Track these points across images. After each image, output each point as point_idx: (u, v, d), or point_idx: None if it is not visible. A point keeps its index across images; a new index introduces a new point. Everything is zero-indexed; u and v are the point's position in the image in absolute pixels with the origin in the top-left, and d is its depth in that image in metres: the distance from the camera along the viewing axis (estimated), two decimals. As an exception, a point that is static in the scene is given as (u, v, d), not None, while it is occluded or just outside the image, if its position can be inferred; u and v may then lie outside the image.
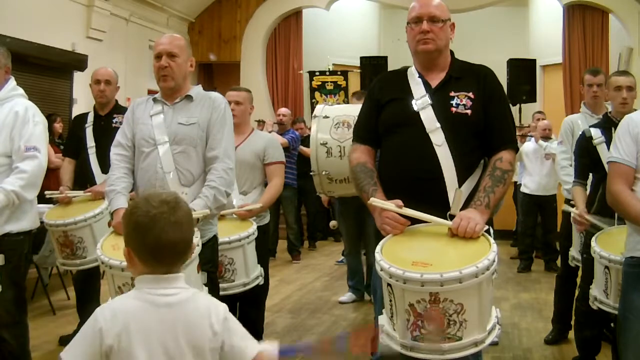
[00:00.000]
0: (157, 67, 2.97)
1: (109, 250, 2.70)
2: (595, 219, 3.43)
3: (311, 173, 4.07)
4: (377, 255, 2.18)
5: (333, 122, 4.02)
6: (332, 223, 5.88)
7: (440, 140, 2.40)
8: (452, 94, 2.47)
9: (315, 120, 4.15)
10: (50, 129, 6.44)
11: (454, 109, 2.44)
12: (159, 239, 1.59)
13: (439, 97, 2.47)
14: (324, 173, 3.97)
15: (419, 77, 2.54)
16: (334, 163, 3.94)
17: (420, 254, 2.13)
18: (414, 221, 2.31)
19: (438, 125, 2.42)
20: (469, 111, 2.44)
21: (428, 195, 2.36)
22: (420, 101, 2.47)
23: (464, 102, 2.45)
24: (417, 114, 2.45)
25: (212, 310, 1.62)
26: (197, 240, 2.67)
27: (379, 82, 2.69)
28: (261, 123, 8.62)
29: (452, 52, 2.60)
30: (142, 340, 1.55)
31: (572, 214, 3.73)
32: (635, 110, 3.17)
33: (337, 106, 4.38)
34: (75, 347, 1.56)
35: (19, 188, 2.95)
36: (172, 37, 3.06)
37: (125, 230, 1.65)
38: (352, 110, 4.14)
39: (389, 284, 2.11)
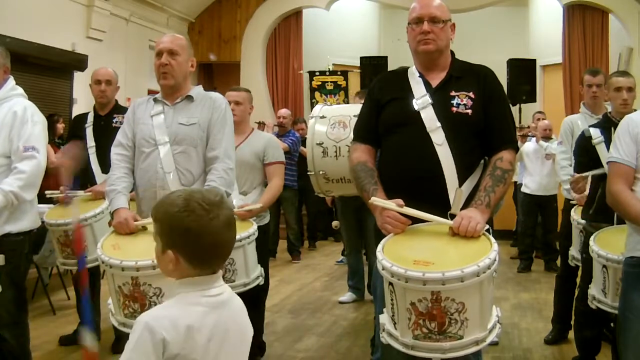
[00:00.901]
0: (157, 65, 2.98)
1: (109, 249, 2.70)
2: (590, 172, 3.46)
3: (308, 173, 4.07)
4: (379, 255, 2.19)
5: (330, 122, 4.02)
6: (335, 223, 5.89)
7: (440, 139, 2.41)
8: (453, 93, 2.47)
9: (312, 120, 4.15)
10: (53, 129, 6.45)
11: (454, 109, 2.45)
12: (216, 241, 1.57)
13: (440, 97, 2.48)
14: (320, 173, 3.98)
15: (419, 76, 2.55)
16: (330, 163, 3.94)
17: (421, 253, 2.14)
18: (415, 220, 2.32)
19: (438, 124, 2.42)
20: (469, 111, 2.45)
21: (428, 194, 2.36)
22: (421, 100, 2.48)
23: (464, 101, 2.45)
24: (417, 113, 2.46)
25: (242, 305, 1.70)
26: None
27: (379, 81, 2.70)
28: (261, 125, 8.62)
29: (452, 53, 2.61)
30: (213, 344, 1.55)
31: (572, 212, 3.73)
32: (635, 110, 3.18)
33: (334, 106, 4.38)
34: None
35: (18, 188, 2.95)
36: (173, 37, 3.07)
37: (170, 233, 1.57)
38: (349, 110, 4.14)
39: (390, 283, 2.11)
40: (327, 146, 3.96)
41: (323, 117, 4.08)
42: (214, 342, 1.55)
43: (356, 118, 3.85)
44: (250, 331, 1.68)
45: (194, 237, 1.55)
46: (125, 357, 1.50)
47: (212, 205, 1.57)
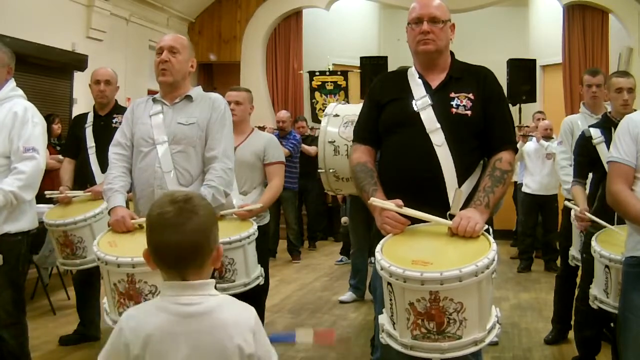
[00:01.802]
0: (157, 62, 2.97)
1: (106, 246, 2.69)
2: (596, 219, 3.44)
3: (319, 170, 4.08)
4: (377, 255, 2.19)
5: (342, 121, 4.02)
6: (344, 219, 5.89)
7: (440, 140, 2.41)
8: (453, 94, 2.48)
9: (325, 118, 4.15)
10: (49, 129, 6.43)
11: (454, 110, 2.45)
12: (159, 240, 1.53)
13: (439, 98, 2.48)
14: (331, 171, 4.00)
15: (419, 77, 2.55)
16: (341, 161, 3.95)
17: (420, 253, 2.13)
18: (414, 221, 2.32)
19: (438, 125, 2.42)
20: (469, 112, 2.45)
21: (428, 195, 2.37)
22: (421, 101, 2.48)
23: (464, 102, 2.46)
24: (417, 114, 2.46)
25: (242, 320, 1.54)
26: None
27: (379, 82, 2.70)
28: (261, 129, 8.63)
29: (452, 53, 2.61)
30: (164, 353, 1.49)
31: (572, 212, 3.73)
32: (636, 110, 3.18)
33: (348, 105, 4.38)
34: (107, 356, 1.55)
35: (17, 189, 2.95)
36: (175, 36, 3.09)
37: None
38: None
39: (389, 283, 2.11)
40: (339, 145, 3.97)
41: (336, 115, 4.09)
42: (174, 353, 1.49)
43: None
44: (234, 352, 1.51)
45: (147, 234, 1.56)
46: (105, 348, 1.55)
47: (170, 204, 1.53)
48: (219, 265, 1.59)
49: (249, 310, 1.58)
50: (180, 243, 1.51)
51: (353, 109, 4.23)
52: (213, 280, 1.59)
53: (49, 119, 6.34)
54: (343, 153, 3.97)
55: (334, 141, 3.97)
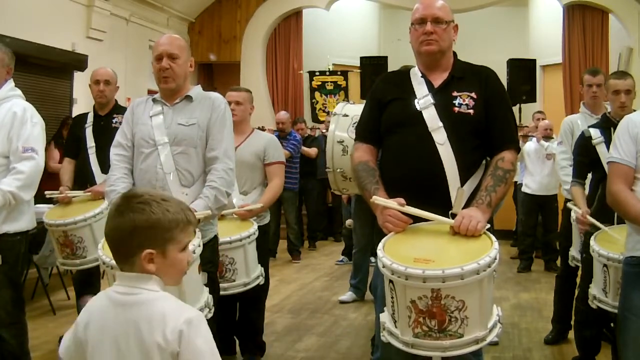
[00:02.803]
0: (157, 69, 2.95)
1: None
2: (596, 222, 3.44)
3: (326, 170, 4.08)
4: (379, 252, 2.20)
5: (352, 120, 4.02)
6: (349, 222, 5.88)
7: (442, 139, 2.42)
8: (455, 93, 2.48)
9: (334, 118, 4.14)
10: (61, 131, 6.45)
11: (456, 109, 2.46)
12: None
13: (442, 97, 2.49)
14: (338, 170, 3.99)
15: (421, 77, 2.56)
16: (349, 161, 3.95)
17: (422, 251, 2.14)
18: (416, 219, 2.32)
19: (440, 124, 2.43)
20: (471, 111, 2.46)
21: (430, 194, 2.37)
22: (423, 100, 2.49)
23: (466, 102, 2.46)
24: (419, 113, 2.47)
25: (169, 318, 1.53)
26: (197, 241, 2.67)
27: (381, 81, 2.71)
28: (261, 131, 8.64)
29: (455, 54, 2.62)
30: (98, 336, 1.57)
31: (573, 214, 3.73)
32: (635, 111, 3.18)
33: (357, 105, 4.37)
34: (66, 335, 1.67)
35: (16, 189, 2.95)
36: (172, 38, 3.04)
37: None
38: None
39: (390, 281, 2.11)
40: (348, 145, 3.96)
41: (345, 115, 4.08)
42: (105, 339, 1.56)
43: None
44: (154, 347, 1.50)
45: None
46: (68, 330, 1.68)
47: (122, 198, 1.63)
48: (153, 270, 1.58)
49: (186, 311, 1.57)
50: (107, 235, 1.63)
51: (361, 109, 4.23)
52: (152, 277, 1.59)
53: (66, 120, 6.37)
54: (352, 153, 3.97)
55: (343, 141, 3.96)
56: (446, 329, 2.03)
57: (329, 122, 4.31)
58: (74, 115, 6.08)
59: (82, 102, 7.41)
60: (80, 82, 7.36)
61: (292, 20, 10.78)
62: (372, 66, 10.12)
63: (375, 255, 2.13)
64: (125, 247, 1.59)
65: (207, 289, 2.78)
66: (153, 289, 1.58)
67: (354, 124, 3.98)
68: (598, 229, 3.33)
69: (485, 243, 2.18)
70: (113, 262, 2.57)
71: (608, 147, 3.15)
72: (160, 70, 2.94)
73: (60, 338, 4.25)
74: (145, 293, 1.57)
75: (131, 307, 1.56)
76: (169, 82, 2.95)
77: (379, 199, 2.34)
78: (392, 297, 2.14)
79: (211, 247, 2.97)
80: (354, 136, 4.02)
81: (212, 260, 2.98)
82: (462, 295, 2.02)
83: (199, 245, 2.67)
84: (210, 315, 2.75)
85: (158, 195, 1.64)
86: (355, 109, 4.14)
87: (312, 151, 8.36)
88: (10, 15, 6.56)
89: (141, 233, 1.57)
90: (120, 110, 4.33)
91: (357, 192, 4.46)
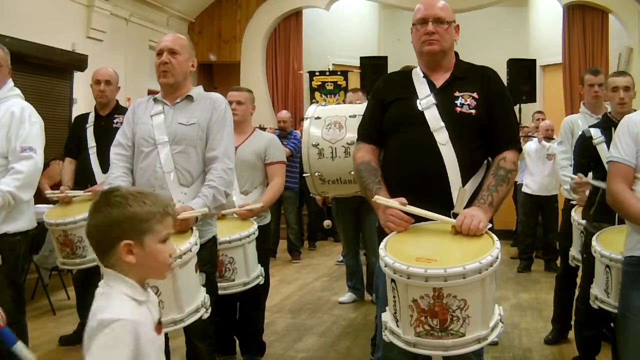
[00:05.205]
0: (157, 63, 2.98)
1: None
2: (594, 181, 3.45)
3: (304, 175, 4.06)
4: (382, 252, 2.20)
5: (325, 123, 4.00)
6: (326, 222, 5.88)
7: (444, 139, 2.42)
8: (457, 94, 2.49)
9: (307, 121, 4.13)
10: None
11: (458, 109, 2.46)
12: None
13: (444, 97, 2.49)
14: (316, 174, 3.96)
15: (423, 77, 2.56)
16: (326, 164, 3.92)
17: (424, 250, 2.14)
18: (418, 219, 2.32)
19: (442, 124, 2.43)
20: (473, 111, 2.46)
21: (432, 193, 2.37)
22: (425, 100, 2.49)
23: (468, 102, 2.47)
24: (421, 113, 2.47)
25: (92, 315, 1.59)
26: (194, 239, 2.67)
27: (383, 81, 2.71)
28: (262, 129, 8.63)
29: (456, 54, 2.63)
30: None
31: (571, 183, 3.70)
32: (635, 110, 3.18)
33: (329, 107, 4.35)
34: None
35: (15, 188, 2.95)
36: (174, 36, 3.08)
37: None
38: (344, 110, 4.11)
39: (392, 280, 2.12)
40: (323, 147, 3.93)
41: (318, 118, 4.07)
42: None
43: (352, 118, 3.86)
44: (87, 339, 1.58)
45: None
46: None
47: (101, 194, 1.67)
48: (133, 262, 1.61)
49: (105, 312, 1.57)
50: (88, 233, 1.67)
51: (335, 110, 4.21)
52: (119, 275, 1.62)
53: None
54: (328, 155, 3.93)
55: (318, 144, 3.95)
56: (448, 328, 2.04)
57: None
58: (73, 115, 6.08)
59: (82, 102, 7.41)
60: (80, 82, 7.36)
61: (292, 20, 10.77)
62: (372, 66, 10.12)
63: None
64: (104, 240, 1.63)
65: (204, 289, 2.78)
66: (108, 285, 1.63)
67: (328, 125, 3.98)
68: (598, 227, 3.32)
69: (487, 242, 2.19)
70: None
71: (609, 147, 3.15)
72: (160, 64, 2.95)
73: (61, 338, 4.30)
74: (110, 290, 1.63)
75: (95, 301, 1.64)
76: (168, 77, 2.95)
77: (381, 199, 2.34)
78: (394, 297, 2.14)
79: (209, 248, 2.97)
80: (328, 138, 4.04)
81: (210, 261, 2.98)
82: (464, 294, 2.02)
83: (196, 244, 2.67)
84: (207, 316, 2.75)
85: (136, 190, 1.69)
86: (327, 111, 4.12)
87: None
88: (10, 15, 6.56)
89: (119, 225, 1.61)
90: (121, 110, 4.33)
91: (337, 195, 4.45)
